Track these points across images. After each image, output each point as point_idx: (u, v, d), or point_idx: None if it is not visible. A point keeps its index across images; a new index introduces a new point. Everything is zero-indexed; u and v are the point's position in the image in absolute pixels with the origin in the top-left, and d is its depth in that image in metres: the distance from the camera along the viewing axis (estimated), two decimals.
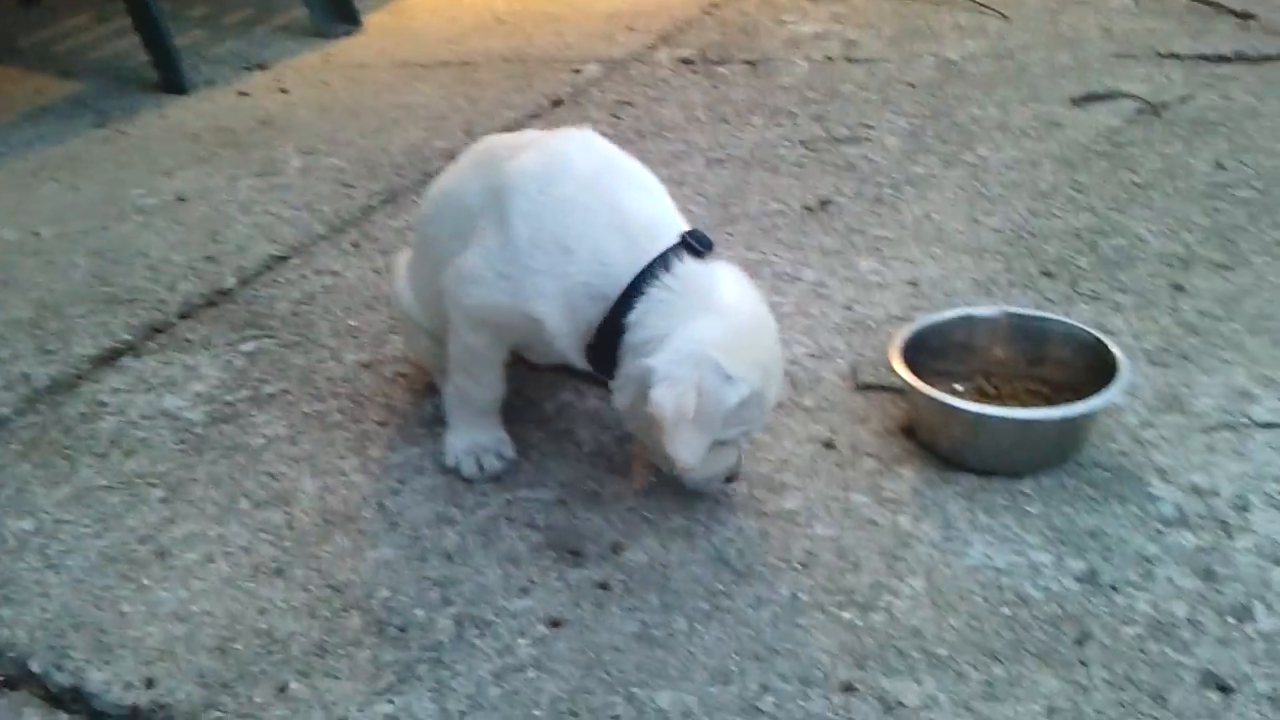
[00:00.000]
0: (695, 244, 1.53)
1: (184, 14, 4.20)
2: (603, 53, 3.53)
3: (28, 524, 1.69)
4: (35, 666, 1.44)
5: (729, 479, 1.61)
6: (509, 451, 1.74)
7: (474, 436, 1.73)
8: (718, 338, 1.45)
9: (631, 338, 1.49)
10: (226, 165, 2.90)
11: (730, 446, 1.55)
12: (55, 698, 1.40)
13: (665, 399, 1.41)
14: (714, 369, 1.42)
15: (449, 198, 1.70)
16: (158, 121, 3.27)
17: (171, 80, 3.48)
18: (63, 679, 1.42)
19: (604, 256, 1.50)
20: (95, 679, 1.42)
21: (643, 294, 1.48)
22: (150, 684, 1.41)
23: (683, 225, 1.58)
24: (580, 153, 1.59)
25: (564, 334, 1.54)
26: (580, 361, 1.58)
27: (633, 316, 1.48)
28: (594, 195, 1.53)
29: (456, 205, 1.66)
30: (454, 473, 1.72)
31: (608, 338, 1.51)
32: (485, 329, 1.62)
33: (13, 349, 2.13)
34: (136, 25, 3.58)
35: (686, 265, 1.50)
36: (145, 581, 1.57)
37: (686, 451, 1.44)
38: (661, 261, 1.49)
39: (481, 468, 1.71)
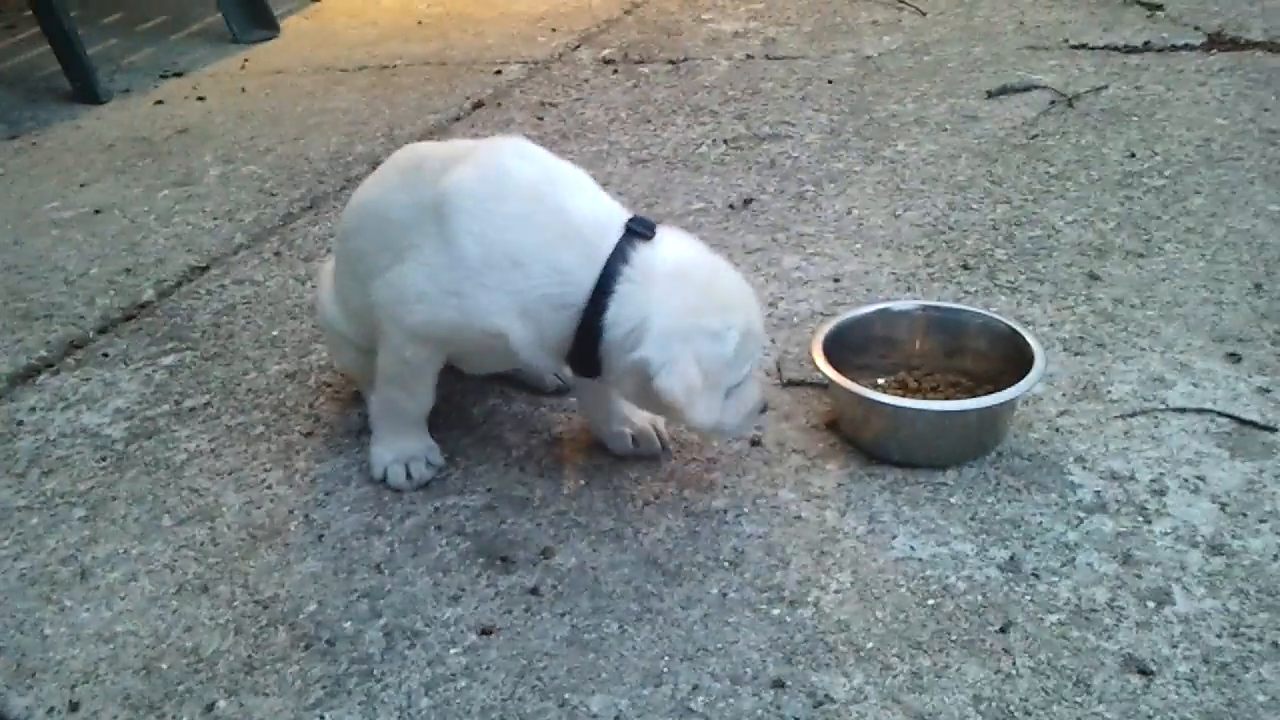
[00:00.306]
0: (640, 230, 1.55)
1: (97, 22, 4.13)
2: (524, 54, 3.52)
3: None
4: None
5: (762, 411, 1.65)
6: (438, 458, 1.74)
7: (401, 445, 1.72)
8: (691, 303, 1.50)
9: (611, 336, 1.50)
10: (143, 175, 2.86)
11: (746, 384, 1.59)
12: None
13: (673, 384, 1.46)
14: (701, 333, 1.48)
15: (374, 210, 1.67)
16: (72, 132, 3.21)
17: (85, 90, 3.42)
18: None
19: (561, 266, 1.51)
20: (17, 704, 1.39)
21: (611, 293, 1.50)
22: (74, 707, 1.38)
23: (622, 214, 1.59)
24: (517, 163, 1.58)
25: (529, 344, 1.55)
26: (553, 366, 1.63)
27: (608, 317, 1.50)
28: (539, 206, 1.54)
29: (382, 218, 1.64)
30: (382, 483, 1.71)
31: (587, 342, 1.52)
32: (427, 344, 1.61)
33: None
34: (47, 35, 3.51)
35: (640, 252, 1.52)
36: (67, 603, 1.54)
37: (709, 416, 1.52)
38: (618, 257, 1.51)
39: (410, 476, 1.70)
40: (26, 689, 1.41)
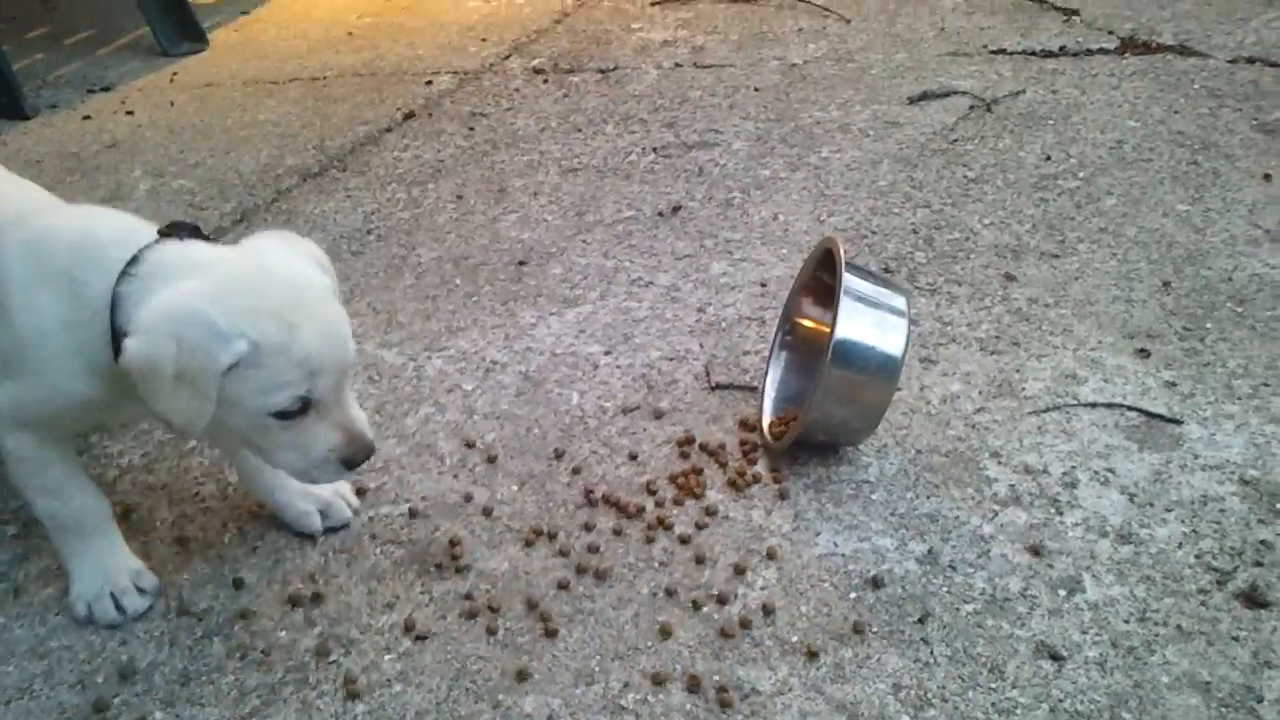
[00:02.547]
0: (173, 232, 1.39)
1: (22, 36, 4.08)
2: (455, 64, 3.54)
3: None
4: None
5: (347, 463, 1.40)
6: (149, 581, 1.56)
7: (98, 572, 1.53)
8: (202, 290, 1.29)
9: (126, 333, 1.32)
10: (72, 191, 2.84)
11: (318, 424, 1.37)
12: None
13: (133, 354, 1.26)
14: (199, 321, 1.26)
15: None
16: None
17: (11, 106, 3.38)
18: None
19: (90, 299, 1.36)
20: None
21: (120, 297, 1.34)
22: None
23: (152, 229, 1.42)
24: (67, 223, 1.44)
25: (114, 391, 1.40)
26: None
27: (119, 320, 1.33)
28: (73, 255, 1.38)
29: None
30: (89, 623, 1.53)
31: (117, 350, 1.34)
32: (25, 429, 1.45)
33: None
34: None
35: (157, 249, 1.36)
36: (0, 619, 1.54)
37: (177, 414, 1.29)
38: (133, 260, 1.35)
39: (122, 609, 1.52)
40: None
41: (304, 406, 1.34)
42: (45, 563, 1.63)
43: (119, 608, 1.52)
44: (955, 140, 2.75)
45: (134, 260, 1.34)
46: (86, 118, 3.35)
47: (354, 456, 1.40)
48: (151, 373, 1.26)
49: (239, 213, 2.66)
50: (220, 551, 1.64)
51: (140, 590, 1.54)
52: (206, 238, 1.43)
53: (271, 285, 1.33)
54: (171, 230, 1.40)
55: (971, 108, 2.92)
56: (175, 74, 3.68)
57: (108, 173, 2.93)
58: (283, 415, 1.33)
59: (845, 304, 1.61)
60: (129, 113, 3.36)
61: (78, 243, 1.39)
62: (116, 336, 1.33)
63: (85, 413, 1.46)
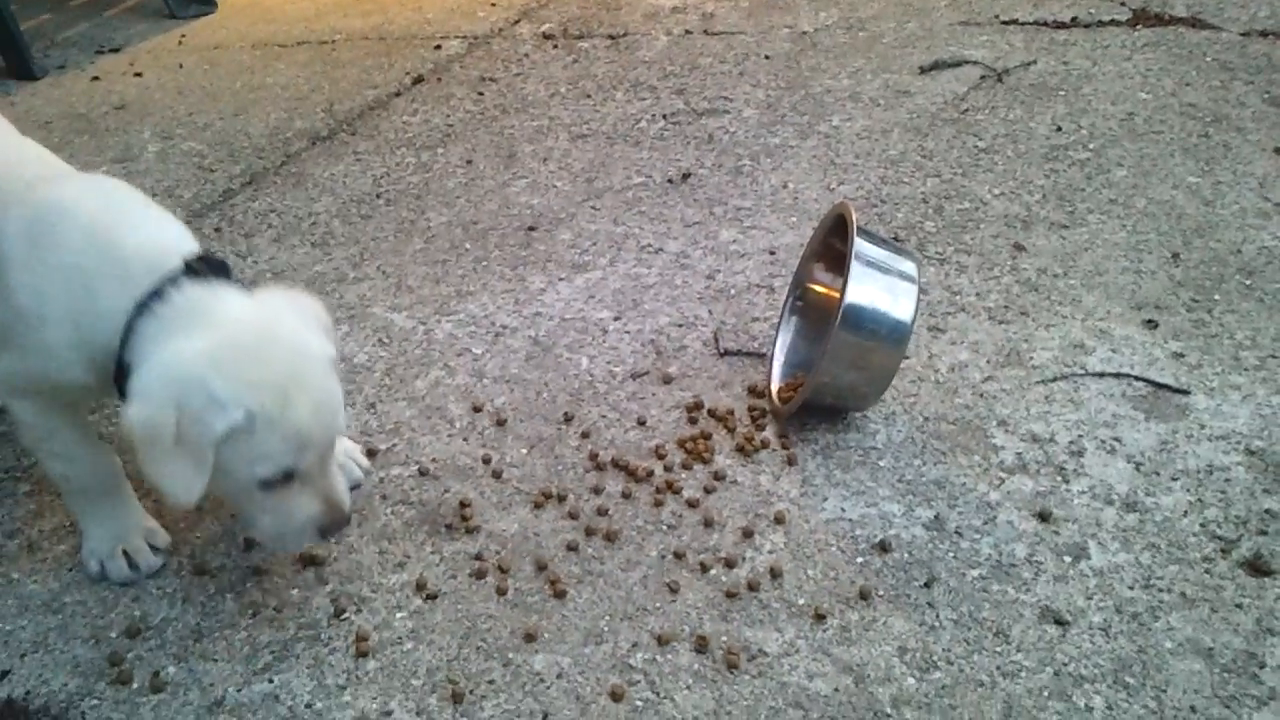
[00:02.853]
0: (200, 268, 1.38)
1: None
2: (464, 29, 3.53)
3: None
4: None
5: (324, 531, 1.40)
6: (162, 538, 1.57)
7: (110, 529, 1.54)
8: (205, 353, 1.29)
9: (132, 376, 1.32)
10: (81, 152, 2.84)
11: (300, 493, 1.37)
12: None
13: (135, 418, 1.26)
14: (198, 387, 1.26)
15: None
16: (7, 110, 3.17)
17: (20, 66, 3.38)
18: None
19: (100, 309, 1.35)
20: None
21: (134, 329, 1.33)
22: (24, 677, 1.40)
23: (182, 248, 1.41)
24: (76, 203, 1.41)
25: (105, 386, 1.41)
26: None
27: (127, 354, 1.33)
28: (90, 254, 1.37)
29: None
30: (102, 580, 1.54)
31: (120, 382, 1.35)
32: (27, 397, 1.46)
33: None
34: None
35: (183, 290, 1.34)
36: (15, 575, 1.56)
37: (173, 483, 1.28)
38: (155, 294, 1.34)
39: (134, 565, 1.54)
40: None
41: (288, 477, 1.34)
42: (59, 519, 1.65)
43: (132, 565, 1.53)
44: (966, 110, 2.75)
45: (157, 294, 1.33)
46: (95, 79, 3.34)
47: (331, 526, 1.39)
48: (153, 440, 1.26)
49: (248, 175, 2.66)
50: (232, 510, 1.65)
51: (154, 548, 1.56)
52: (229, 273, 1.41)
53: (274, 354, 1.32)
54: (200, 266, 1.37)
55: (983, 78, 2.91)
56: (184, 36, 3.67)
57: (116, 134, 2.92)
58: (266, 484, 1.33)
59: (856, 268, 1.62)
60: (138, 74, 3.35)
61: (100, 249, 1.37)
62: (120, 363, 1.33)
63: (80, 394, 1.46)
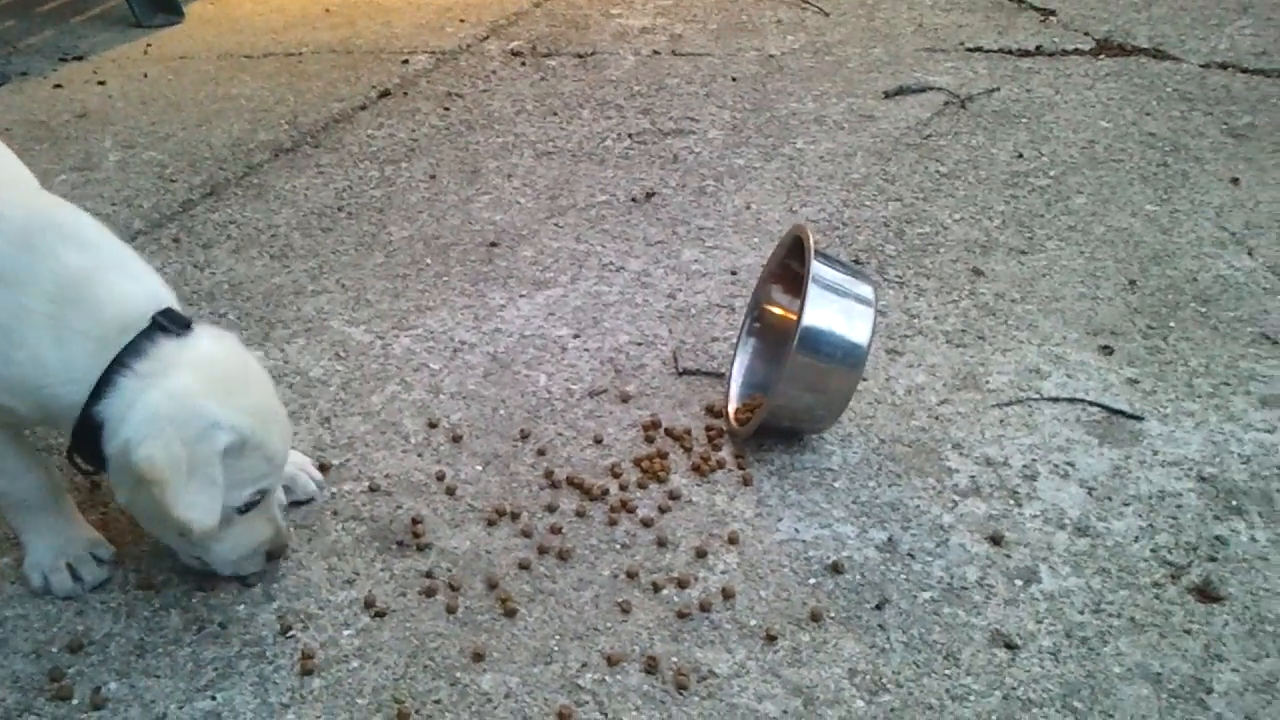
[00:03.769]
0: (168, 324, 1.39)
1: None
2: (432, 44, 3.52)
3: None
4: None
5: (271, 554, 1.49)
6: (105, 550, 1.56)
7: (51, 543, 1.52)
8: (193, 388, 1.34)
9: (110, 429, 1.34)
10: (41, 159, 2.80)
11: (258, 517, 1.44)
12: None
13: (153, 455, 1.29)
14: (195, 416, 1.32)
15: None
16: None
17: None
18: None
19: (69, 363, 1.35)
20: None
21: (113, 384, 1.34)
22: None
23: (154, 301, 1.42)
24: (54, 248, 1.39)
25: (37, 420, 1.43)
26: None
27: (102, 407, 1.34)
28: (68, 309, 1.35)
29: None
30: (45, 593, 1.52)
31: (87, 437, 1.37)
32: None
33: None
34: None
35: (157, 345, 1.37)
36: None
37: (197, 511, 1.32)
38: (131, 351, 1.35)
39: (79, 578, 1.52)
40: None
41: (257, 501, 1.42)
42: (2, 530, 1.62)
43: (76, 577, 1.51)
44: (929, 135, 2.76)
45: (133, 350, 1.35)
46: (57, 86, 3.31)
47: (278, 549, 1.50)
48: (171, 473, 1.29)
49: (209, 186, 2.64)
50: (171, 544, 1.62)
51: (99, 560, 1.54)
52: (190, 326, 1.43)
53: (250, 385, 1.43)
54: (166, 321, 1.39)
55: (946, 104, 2.93)
56: (149, 45, 3.64)
57: (77, 142, 2.90)
58: (242, 510, 1.40)
59: (813, 291, 1.62)
60: (101, 83, 3.32)
61: (79, 306, 1.35)
62: (88, 416, 1.34)
63: (13, 419, 1.43)
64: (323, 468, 1.72)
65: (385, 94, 3.14)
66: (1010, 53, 3.26)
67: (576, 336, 2.05)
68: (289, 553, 1.55)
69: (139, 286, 1.42)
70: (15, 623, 1.47)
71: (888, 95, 3.00)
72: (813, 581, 1.51)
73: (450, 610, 1.48)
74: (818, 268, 1.65)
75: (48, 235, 1.38)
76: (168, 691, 1.37)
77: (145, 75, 3.37)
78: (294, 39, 3.63)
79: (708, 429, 1.80)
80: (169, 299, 1.45)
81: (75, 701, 1.36)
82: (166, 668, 1.40)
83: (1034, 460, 1.72)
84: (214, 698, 1.36)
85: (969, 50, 3.28)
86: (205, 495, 1.33)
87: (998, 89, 3.00)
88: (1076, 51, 3.24)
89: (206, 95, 3.18)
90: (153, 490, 1.30)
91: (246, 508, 1.41)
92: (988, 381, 1.88)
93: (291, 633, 1.45)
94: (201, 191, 2.61)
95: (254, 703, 1.35)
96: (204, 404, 1.33)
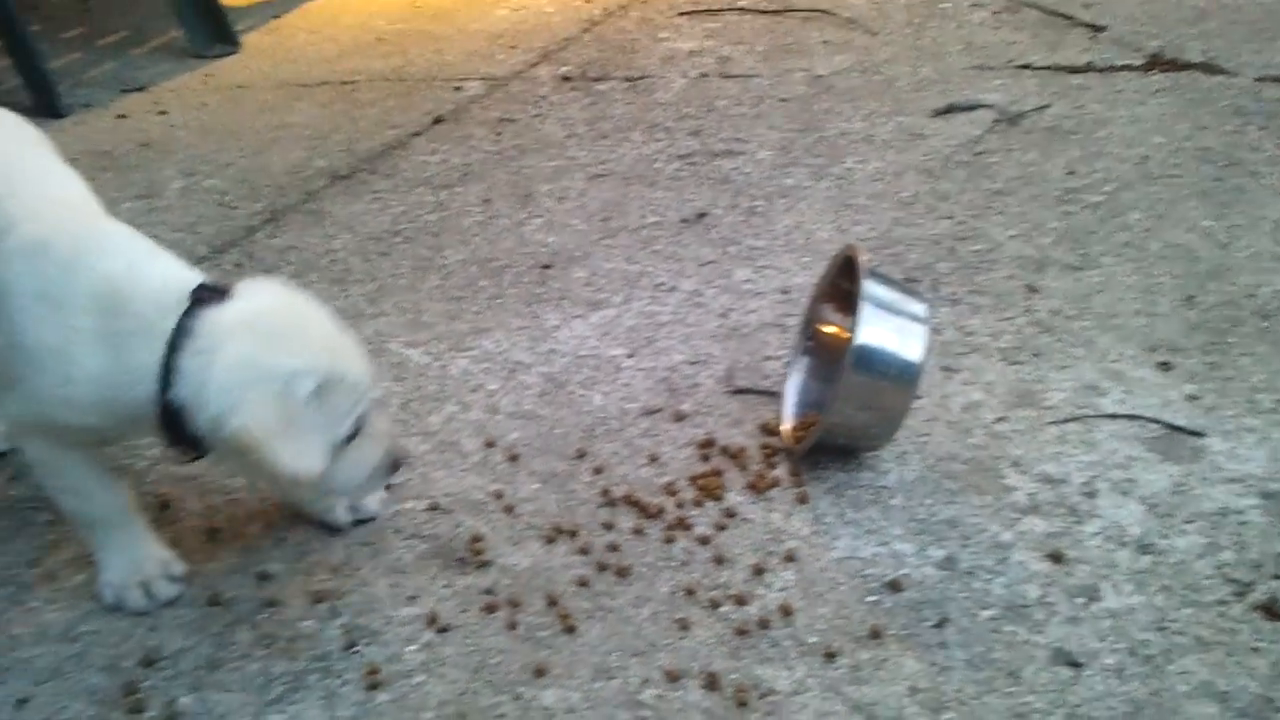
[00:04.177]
0: (208, 295, 1.42)
1: (58, 36, 4.14)
2: (484, 71, 3.57)
3: None
4: None
5: (394, 467, 1.54)
6: (177, 568, 1.59)
7: (126, 560, 1.56)
8: (259, 346, 1.37)
9: (192, 412, 1.37)
10: (106, 189, 2.85)
11: (365, 441, 1.47)
12: None
13: (247, 421, 1.32)
14: (270, 373, 1.35)
15: None
16: None
17: (47, 104, 3.43)
18: None
19: (124, 362, 1.39)
20: None
21: (177, 370, 1.37)
22: (42, 704, 1.41)
23: (188, 281, 1.45)
24: (91, 265, 1.42)
25: (122, 431, 1.50)
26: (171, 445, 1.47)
27: (174, 395, 1.37)
28: (111, 318, 1.39)
29: None
30: (119, 610, 1.56)
31: (174, 427, 1.40)
32: (40, 435, 1.48)
33: None
34: (8, 48, 3.52)
35: (206, 317, 1.39)
36: (33, 604, 1.57)
37: (303, 461, 1.36)
38: (182, 333, 1.38)
39: (151, 595, 1.55)
40: None
41: (358, 429, 1.44)
42: (76, 549, 1.66)
43: (148, 595, 1.54)
44: (980, 153, 2.76)
45: (182, 332, 1.38)
46: (120, 117, 3.39)
47: (397, 462, 1.54)
48: (268, 432, 1.32)
49: (269, 212, 2.69)
50: (248, 543, 1.66)
51: (170, 578, 1.57)
52: (227, 294, 1.45)
53: (311, 325, 1.44)
54: (204, 293, 1.42)
55: (996, 121, 2.93)
56: (208, 75, 3.73)
57: (140, 171, 2.97)
58: (346, 440, 1.43)
59: (866, 310, 1.63)
60: (162, 112, 3.40)
61: (113, 306, 1.39)
62: (169, 406, 1.38)
63: (93, 435, 1.48)
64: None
65: (439, 120, 3.19)
66: (1060, 69, 3.24)
67: (630, 356, 2.06)
68: (411, 458, 1.61)
69: (167, 273, 1.46)
70: (90, 638, 1.51)
71: (937, 113, 3.00)
72: (872, 599, 1.51)
73: (511, 626, 1.50)
74: (870, 286, 1.66)
75: (85, 254, 1.43)
76: (239, 705, 1.40)
77: (205, 105, 3.45)
78: (348, 67, 3.70)
79: (763, 447, 1.81)
80: (200, 277, 1.47)
81: (150, 715, 1.39)
82: (237, 682, 1.43)
83: (1094, 477, 1.71)
84: (284, 711, 1.39)
85: (1018, 67, 3.28)
86: (306, 444, 1.36)
87: (1048, 105, 2.99)
88: (1128, 67, 3.22)
89: (264, 124, 3.25)
90: (255, 456, 1.33)
91: (350, 439, 1.44)
92: (1045, 398, 1.88)
93: (356, 648, 1.47)
94: (262, 218, 2.67)
95: (322, 717, 1.38)
96: (274, 359, 1.35)
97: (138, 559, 1.56)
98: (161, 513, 1.72)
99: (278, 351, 1.36)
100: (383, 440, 1.51)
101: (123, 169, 2.99)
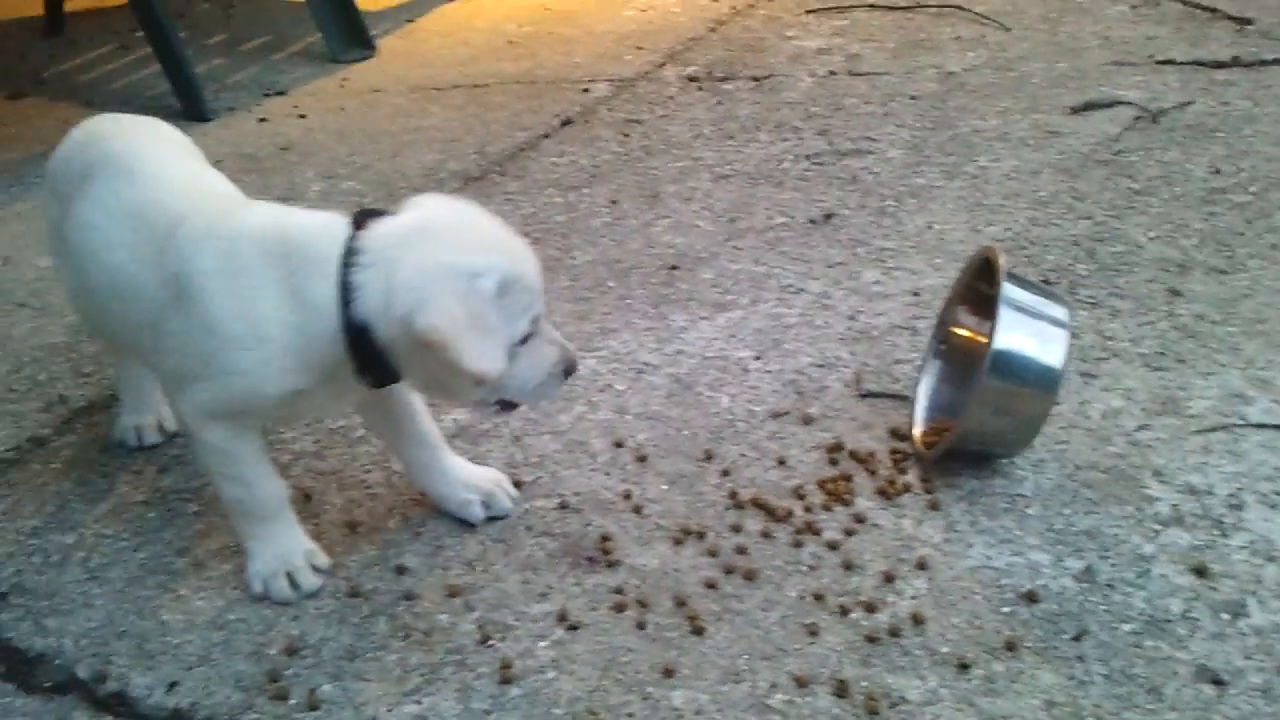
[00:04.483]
0: (369, 216, 1.47)
1: (203, 43, 4.30)
2: (611, 72, 3.60)
3: (70, 538, 1.76)
4: (81, 673, 1.51)
5: (567, 372, 1.55)
6: (322, 560, 1.64)
7: (274, 551, 1.61)
8: (440, 247, 1.41)
9: (377, 325, 1.42)
10: (249, 190, 2.93)
11: (539, 343, 1.50)
12: (101, 702, 1.47)
13: (435, 319, 1.36)
14: (454, 272, 1.38)
15: (118, 267, 1.60)
16: None
17: (193, 108, 3.57)
18: (108, 685, 1.49)
19: (306, 300, 1.45)
20: (139, 683, 1.49)
21: (355, 286, 1.42)
22: (191, 689, 1.48)
23: (344, 217, 1.50)
24: (251, 229, 1.51)
25: (325, 392, 1.53)
26: (361, 384, 1.52)
27: (354, 311, 1.42)
28: (278, 261, 1.46)
29: (131, 281, 1.58)
30: (264, 599, 1.61)
31: (363, 350, 1.45)
32: (223, 422, 1.53)
33: (49, 372, 2.22)
34: (158, 55, 3.67)
35: (371, 236, 1.43)
36: (183, 592, 1.64)
37: (485, 360, 1.39)
38: (352, 253, 1.42)
39: (296, 585, 1.60)
40: (147, 670, 1.51)
41: (532, 331, 1.48)
42: (224, 539, 1.73)
43: (294, 585, 1.60)
44: (1119, 151, 2.69)
45: (351, 251, 1.43)
46: (262, 120, 3.51)
47: (570, 366, 1.55)
48: (454, 334, 1.36)
49: None
50: (386, 536, 1.71)
51: (315, 569, 1.62)
52: (385, 215, 1.50)
53: (482, 227, 1.49)
54: (362, 217, 1.47)
55: (1136, 118, 2.84)
56: (345, 79, 3.83)
57: (282, 173, 3.07)
58: (522, 340, 1.46)
59: (1005, 313, 1.60)
60: (301, 116, 3.51)
61: (282, 253, 1.46)
62: (353, 325, 1.42)
63: (287, 407, 1.54)
64: (516, 484, 1.78)
65: (567, 122, 3.22)
66: (1204, 64, 3.13)
67: (758, 358, 2.06)
68: (578, 366, 1.60)
69: (322, 215, 1.52)
70: (236, 626, 1.57)
71: (1074, 111, 2.92)
72: (1006, 610, 1.49)
73: (640, 626, 1.51)
74: (1009, 289, 1.63)
75: (247, 224, 1.52)
76: (378, 695, 1.44)
77: (342, 108, 3.55)
78: (480, 71, 3.77)
79: (892, 452, 1.79)
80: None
81: (292, 702, 1.44)
82: (376, 672, 1.48)
83: (1240, 489, 1.65)
84: (420, 702, 1.43)
85: (1159, 63, 3.18)
86: (489, 342, 1.40)
87: (1191, 102, 2.90)
88: (1276, 62, 3.10)
89: (399, 126, 3.33)
90: (441, 356, 1.37)
91: (525, 340, 1.47)
92: (1189, 406, 1.82)
93: (490, 642, 1.51)
94: None
95: (457, 709, 1.41)
96: (457, 258, 1.39)
97: (286, 550, 1.61)
98: (304, 506, 1.78)
99: (460, 251, 1.41)
100: (555, 343, 1.53)
101: (265, 171, 3.09)
